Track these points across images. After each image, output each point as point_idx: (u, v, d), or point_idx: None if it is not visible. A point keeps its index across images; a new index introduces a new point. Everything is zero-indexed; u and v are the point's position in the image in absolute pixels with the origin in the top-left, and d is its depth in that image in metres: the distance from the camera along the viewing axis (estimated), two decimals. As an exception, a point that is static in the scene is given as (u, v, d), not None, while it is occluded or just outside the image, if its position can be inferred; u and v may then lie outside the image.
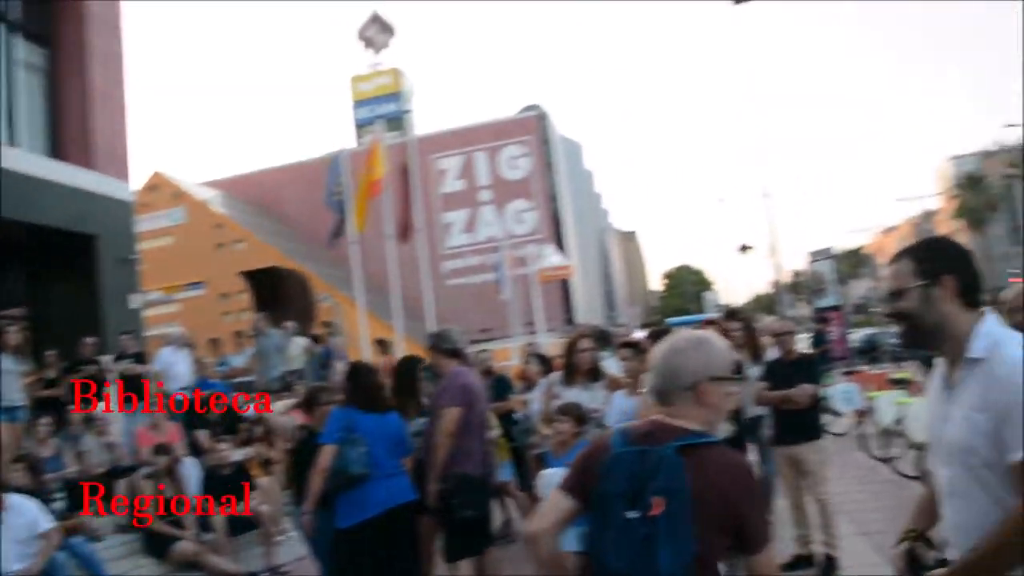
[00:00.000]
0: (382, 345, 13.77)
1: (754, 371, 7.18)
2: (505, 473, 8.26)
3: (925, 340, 2.38)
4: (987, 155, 71.39)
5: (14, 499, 6.70)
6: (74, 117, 14.27)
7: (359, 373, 5.93)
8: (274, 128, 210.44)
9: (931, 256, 2.34)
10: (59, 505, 8.16)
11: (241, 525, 8.63)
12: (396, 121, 46.37)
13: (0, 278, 13.24)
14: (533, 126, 52.90)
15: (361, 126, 52.67)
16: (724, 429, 2.47)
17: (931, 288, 2.30)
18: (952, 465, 2.29)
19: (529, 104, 56.44)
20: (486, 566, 5.92)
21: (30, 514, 6.67)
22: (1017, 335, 2.27)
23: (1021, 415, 2.09)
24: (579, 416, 5.22)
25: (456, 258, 50.04)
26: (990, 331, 2.25)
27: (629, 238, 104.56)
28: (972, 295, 2.32)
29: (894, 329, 2.66)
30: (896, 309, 2.37)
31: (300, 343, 14.22)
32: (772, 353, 7.24)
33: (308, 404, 6.44)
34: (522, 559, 6.34)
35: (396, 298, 15.75)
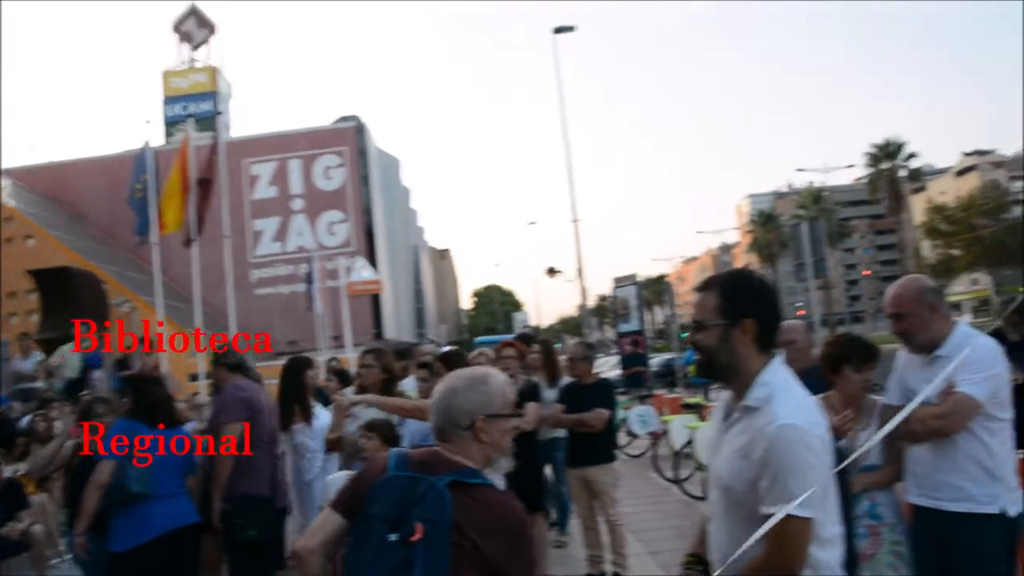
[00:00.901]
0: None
1: (550, 394, 7.30)
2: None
3: (717, 374, 2.44)
4: (780, 195, 76.52)
5: None
6: None
7: (144, 384, 5.59)
8: (75, 117, 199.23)
9: (736, 295, 2.39)
10: None
11: (10, 547, 8.01)
12: (208, 121, 44.83)
13: None
14: (350, 137, 52.10)
15: (171, 123, 50.60)
16: (503, 465, 2.46)
17: (730, 328, 2.35)
18: (717, 490, 2.40)
19: (346, 115, 55.56)
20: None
21: None
22: (793, 386, 2.33)
23: (776, 475, 2.17)
24: (387, 434, 5.08)
25: (265, 267, 48.59)
26: (770, 380, 2.32)
27: (442, 256, 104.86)
28: (767, 339, 2.38)
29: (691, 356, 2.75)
30: (695, 340, 2.43)
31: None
32: (569, 376, 7.37)
33: (84, 417, 6.03)
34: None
35: (197, 305, 15.14)
